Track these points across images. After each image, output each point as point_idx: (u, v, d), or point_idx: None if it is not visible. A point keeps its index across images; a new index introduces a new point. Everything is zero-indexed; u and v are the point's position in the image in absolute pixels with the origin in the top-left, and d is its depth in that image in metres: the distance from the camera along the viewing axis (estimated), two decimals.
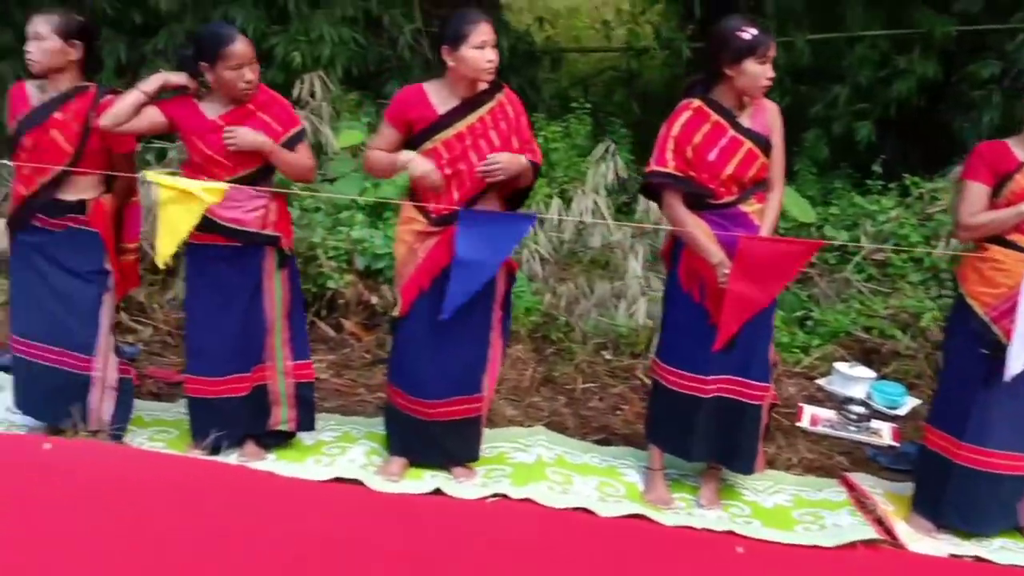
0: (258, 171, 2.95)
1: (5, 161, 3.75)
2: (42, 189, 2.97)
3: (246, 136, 2.87)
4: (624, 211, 5.14)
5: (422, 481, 3.08)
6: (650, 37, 6.47)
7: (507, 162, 2.85)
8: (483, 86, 2.90)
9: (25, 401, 3.12)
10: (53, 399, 3.02)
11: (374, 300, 4.15)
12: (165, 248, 2.86)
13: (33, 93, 2.99)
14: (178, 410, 3.42)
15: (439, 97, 2.90)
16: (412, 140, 2.91)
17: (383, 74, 5.74)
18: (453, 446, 3.12)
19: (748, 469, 3.05)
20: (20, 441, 3.02)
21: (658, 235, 4.71)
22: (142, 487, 2.70)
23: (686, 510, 3.04)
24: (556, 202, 4.64)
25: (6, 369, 3.57)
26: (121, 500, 2.63)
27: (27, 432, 3.17)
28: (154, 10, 5.33)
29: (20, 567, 2.28)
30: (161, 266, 2.95)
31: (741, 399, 2.95)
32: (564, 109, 5.79)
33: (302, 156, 2.98)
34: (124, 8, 5.37)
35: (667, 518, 2.95)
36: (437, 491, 3.02)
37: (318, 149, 4.69)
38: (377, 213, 4.46)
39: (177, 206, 2.81)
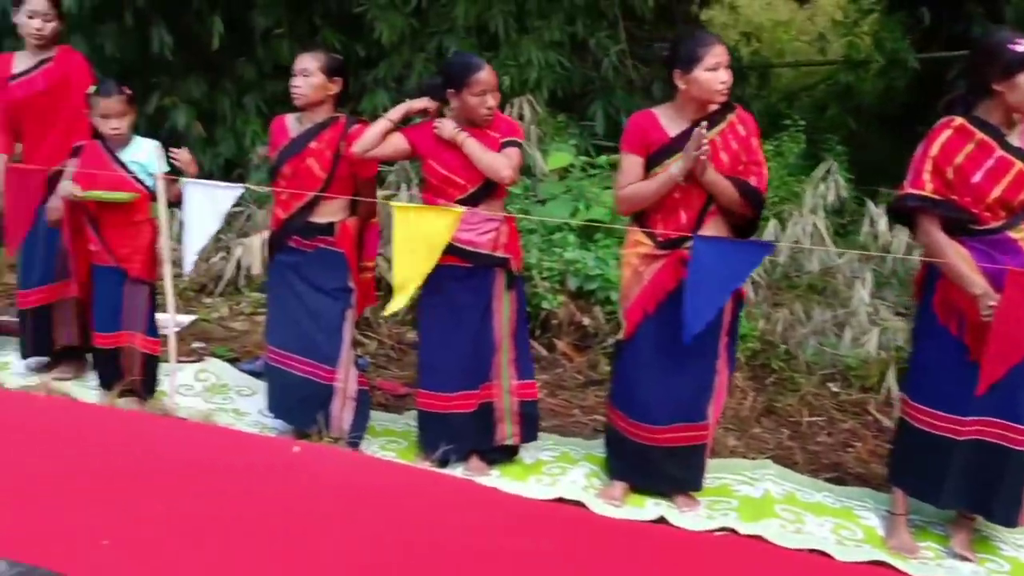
0: (483, 188, 3.05)
1: (245, 185, 4.13)
2: (298, 212, 3.23)
3: (445, 124, 3.03)
4: (841, 233, 4.87)
5: (644, 508, 3.04)
6: (869, 48, 6.11)
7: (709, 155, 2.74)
8: (714, 107, 2.84)
9: (277, 406, 3.39)
10: (302, 406, 3.26)
11: (586, 321, 4.17)
12: (408, 284, 3.02)
13: (292, 125, 3.27)
14: (406, 422, 3.59)
15: (668, 120, 2.88)
16: (645, 164, 2.90)
17: (586, 96, 5.80)
18: (676, 473, 3.05)
19: (1011, 521, 2.77)
20: (273, 443, 3.28)
21: (884, 261, 4.42)
22: (378, 494, 2.85)
23: (935, 560, 2.80)
24: (772, 223, 4.47)
25: (255, 375, 3.93)
26: (359, 505, 2.78)
27: (277, 435, 3.44)
28: (376, 42, 5.70)
29: (272, 553, 2.47)
30: (400, 304, 3.08)
31: (1005, 444, 2.69)
32: (773, 126, 5.58)
33: (501, 154, 3.02)
34: (350, 42, 5.79)
35: (913, 568, 2.73)
36: (661, 519, 2.97)
37: (527, 171, 4.80)
38: (587, 235, 4.49)
39: (420, 242, 2.97)
